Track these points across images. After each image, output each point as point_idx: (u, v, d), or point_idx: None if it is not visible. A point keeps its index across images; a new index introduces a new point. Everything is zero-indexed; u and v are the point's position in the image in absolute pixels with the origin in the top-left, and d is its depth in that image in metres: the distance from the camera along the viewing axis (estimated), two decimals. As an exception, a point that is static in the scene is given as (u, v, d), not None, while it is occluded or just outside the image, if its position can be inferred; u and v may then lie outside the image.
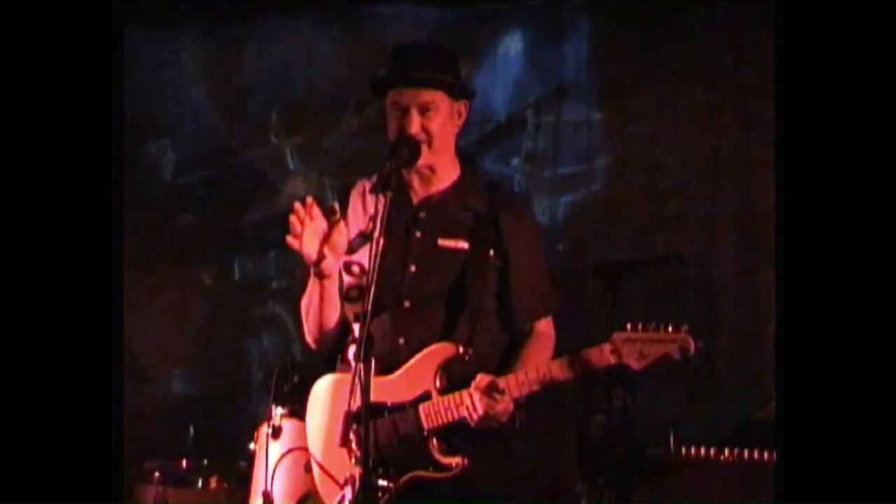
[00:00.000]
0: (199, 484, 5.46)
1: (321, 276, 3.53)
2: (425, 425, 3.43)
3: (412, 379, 3.46)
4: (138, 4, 6.44)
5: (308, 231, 3.43)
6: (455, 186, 3.63)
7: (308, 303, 3.63)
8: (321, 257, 3.47)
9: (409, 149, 3.48)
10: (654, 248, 5.91)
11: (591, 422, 5.46)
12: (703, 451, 4.76)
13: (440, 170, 3.60)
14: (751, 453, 4.68)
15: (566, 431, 5.47)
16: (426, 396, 3.44)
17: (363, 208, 3.66)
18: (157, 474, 5.46)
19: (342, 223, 3.48)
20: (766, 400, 5.31)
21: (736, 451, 4.71)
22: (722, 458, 4.72)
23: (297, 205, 3.43)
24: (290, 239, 3.45)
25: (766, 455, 4.63)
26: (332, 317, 3.64)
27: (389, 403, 3.41)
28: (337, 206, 3.51)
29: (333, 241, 3.47)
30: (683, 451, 4.79)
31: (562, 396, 5.43)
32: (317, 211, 3.44)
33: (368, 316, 3.17)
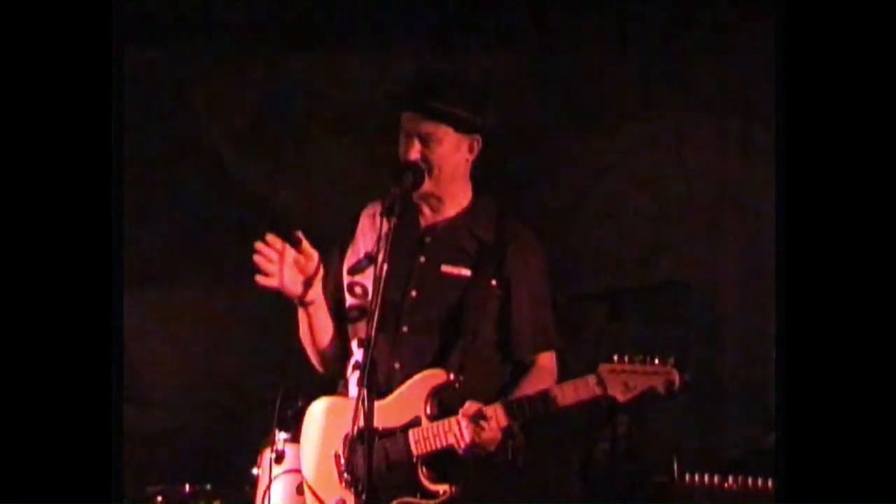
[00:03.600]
0: (202, 508, 5.46)
1: (304, 304, 3.56)
2: (414, 451, 3.42)
3: (403, 404, 3.46)
4: (146, 29, 6.48)
5: (277, 266, 3.45)
6: (463, 214, 3.63)
7: (302, 331, 3.67)
8: (300, 288, 3.50)
9: (413, 174, 3.49)
10: (657, 275, 5.90)
11: (594, 448, 5.44)
12: (707, 478, 4.74)
13: (448, 198, 3.61)
14: (755, 481, 4.66)
15: (570, 458, 5.46)
16: (416, 422, 3.44)
17: (371, 230, 3.67)
18: (159, 499, 5.45)
19: (309, 247, 3.50)
20: (770, 427, 5.30)
21: (740, 478, 4.69)
22: (726, 485, 4.70)
23: (260, 245, 3.46)
24: (261, 279, 3.47)
25: (770, 483, 4.62)
26: (325, 338, 3.68)
27: (381, 428, 3.39)
28: (300, 233, 3.53)
29: (306, 268, 3.49)
30: (687, 478, 4.77)
31: (566, 423, 5.42)
32: (280, 244, 3.46)
33: (372, 342, 3.18)
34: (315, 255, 3.52)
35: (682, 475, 4.79)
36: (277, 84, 6.94)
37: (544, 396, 3.39)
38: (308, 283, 3.54)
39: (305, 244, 3.50)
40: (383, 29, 6.58)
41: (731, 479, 4.70)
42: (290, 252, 3.49)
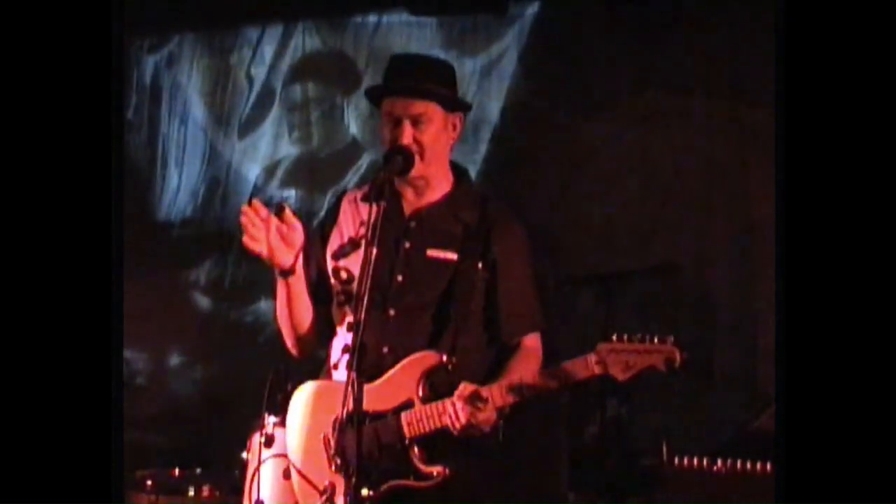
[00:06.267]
0: (192, 492, 5.45)
1: (286, 274, 3.54)
2: (407, 434, 3.42)
3: (395, 387, 3.45)
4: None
5: (263, 231, 3.45)
6: (447, 198, 3.63)
7: (279, 308, 3.65)
8: (284, 256, 3.49)
9: (402, 158, 3.49)
10: (648, 257, 5.90)
11: (584, 432, 5.45)
12: (696, 461, 4.74)
13: (433, 181, 3.61)
14: (744, 464, 4.66)
15: (559, 442, 5.46)
16: (408, 404, 3.43)
17: (354, 216, 3.67)
18: (149, 483, 5.45)
19: (292, 217, 3.49)
20: (760, 410, 5.31)
21: (729, 461, 4.69)
22: (715, 468, 4.70)
23: (246, 207, 3.45)
24: (247, 241, 3.46)
25: (759, 465, 4.62)
26: (305, 318, 3.66)
27: (371, 411, 3.38)
28: (285, 204, 3.53)
29: (290, 238, 3.48)
30: (676, 461, 4.77)
31: (555, 407, 5.44)
32: (265, 211, 3.46)
33: (362, 325, 3.17)
34: (298, 224, 3.51)
35: (671, 458, 4.79)
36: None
37: (544, 375, 3.38)
38: (291, 253, 3.52)
39: (288, 213, 3.49)
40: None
41: (720, 462, 4.70)
42: (274, 220, 3.48)
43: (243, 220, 3.45)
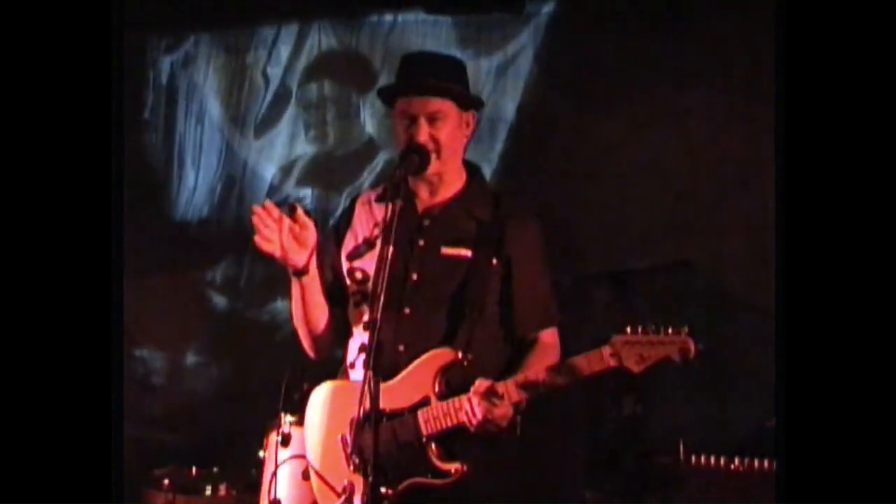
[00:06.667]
0: (209, 491, 5.47)
1: (299, 274, 3.55)
2: (424, 431, 3.42)
3: (411, 385, 3.46)
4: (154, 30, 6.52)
5: (275, 231, 3.46)
6: (460, 195, 3.64)
7: (295, 309, 3.66)
8: (297, 256, 3.50)
9: (419, 157, 3.49)
10: (662, 255, 5.89)
11: (600, 430, 5.45)
12: (712, 459, 4.75)
13: (447, 179, 3.62)
14: (760, 462, 4.67)
15: (575, 439, 5.46)
16: (425, 402, 3.44)
17: (368, 217, 3.68)
18: (166, 481, 5.47)
19: (304, 217, 3.50)
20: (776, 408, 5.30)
21: (745, 460, 4.69)
22: (731, 467, 4.71)
23: (257, 208, 3.46)
24: (260, 241, 3.46)
25: (775, 464, 4.62)
26: (320, 319, 3.67)
27: (388, 410, 3.38)
28: (297, 204, 3.55)
29: (302, 238, 3.49)
30: (692, 459, 4.78)
31: (571, 405, 5.44)
32: (277, 212, 3.47)
33: (378, 324, 3.18)
34: (311, 224, 3.52)
35: (687, 456, 4.80)
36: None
37: (559, 369, 3.38)
38: (304, 253, 3.53)
39: (300, 213, 3.50)
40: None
41: (736, 460, 4.71)
42: (287, 221, 3.49)
43: (255, 220, 3.46)
